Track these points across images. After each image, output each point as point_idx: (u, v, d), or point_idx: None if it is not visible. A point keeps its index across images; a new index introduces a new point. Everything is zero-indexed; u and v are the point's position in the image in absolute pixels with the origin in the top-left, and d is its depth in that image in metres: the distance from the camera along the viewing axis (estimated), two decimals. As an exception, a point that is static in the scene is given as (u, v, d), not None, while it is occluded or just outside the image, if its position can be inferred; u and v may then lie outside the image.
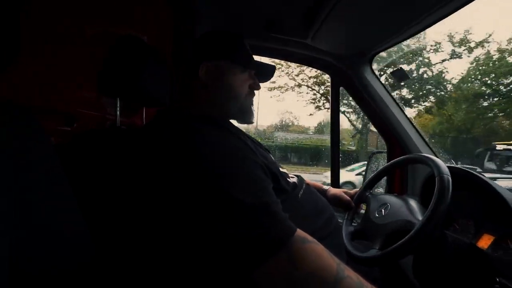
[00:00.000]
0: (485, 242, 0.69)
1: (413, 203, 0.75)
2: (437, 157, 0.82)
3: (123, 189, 0.57)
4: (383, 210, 0.78)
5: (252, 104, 0.71)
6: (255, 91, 0.72)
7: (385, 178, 1.31)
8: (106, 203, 0.63)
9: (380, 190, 1.41)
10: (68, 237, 0.41)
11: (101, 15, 0.89)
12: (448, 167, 0.69)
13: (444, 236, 0.68)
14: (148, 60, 0.79)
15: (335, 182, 1.43)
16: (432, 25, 0.92)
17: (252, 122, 0.71)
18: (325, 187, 1.02)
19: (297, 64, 9.51)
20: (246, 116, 0.70)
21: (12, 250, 0.31)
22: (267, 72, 0.77)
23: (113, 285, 0.52)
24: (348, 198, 0.96)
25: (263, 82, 0.77)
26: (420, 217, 0.67)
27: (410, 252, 0.61)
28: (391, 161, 0.89)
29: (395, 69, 1.10)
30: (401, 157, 0.86)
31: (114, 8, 0.92)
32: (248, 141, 0.57)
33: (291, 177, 0.68)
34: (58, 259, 0.38)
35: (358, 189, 0.99)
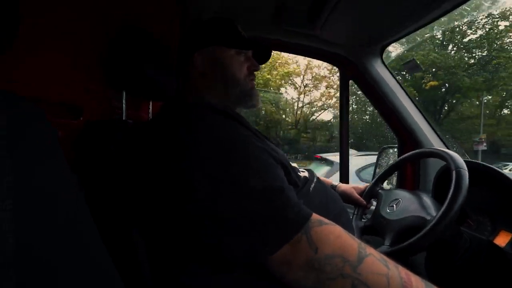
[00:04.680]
0: (502, 239, 0.66)
1: (426, 199, 0.73)
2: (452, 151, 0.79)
3: (132, 183, 0.56)
4: (394, 206, 0.75)
5: (253, 87, 0.69)
6: (255, 73, 0.70)
7: (395, 173, 1.29)
8: (116, 197, 0.62)
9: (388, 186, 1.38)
10: (76, 236, 0.39)
11: (107, 5, 0.88)
12: (464, 161, 0.67)
13: (460, 232, 0.66)
14: (154, 52, 0.78)
15: (344, 177, 1.40)
16: (449, 12, 0.88)
17: (256, 106, 0.69)
18: (335, 183, 1.00)
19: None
20: (249, 99, 0.68)
21: (17, 253, 0.30)
22: (263, 51, 0.75)
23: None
24: (357, 195, 0.94)
25: (261, 63, 0.75)
26: (434, 213, 0.64)
27: (422, 249, 0.59)
28: (404, 155, 0.86)
29: (407, 60, 1.06)
30: (415, 151, 0.83)
31: (123, 2, 0.91)
32: (255, 131, 0.55)
33: (302, 171, 0.66)
34: (66, 257, 0.37)
35: (368, 184, 0.97)
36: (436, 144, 1.11)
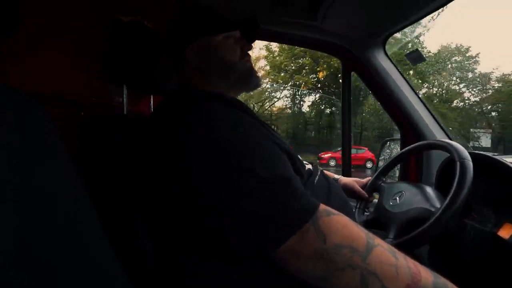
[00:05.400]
0: (506, 231, 0.66)
1: (429, 190, 0.72)
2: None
3: (136, 175, 0.56)
4: (397, 198, 0.75)
5: (251, 67, 0.68)
6: (249, 52, 0.69)
7: (397, 165, 1.28)
8: (118, 189, 0.62)
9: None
10: (76, 235, 0.39)
11: (107, 1, 0.87)
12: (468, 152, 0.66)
13: (464, 224, 0.65)
14: (152, 45, 0.77)
15: (346, 171, 1.40)
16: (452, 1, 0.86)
17: (259, 85, 0.68)
18: (336, 176, 1.00)
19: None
20: (250, 80, 0.67)
21: (17, 253, 0.30)
22: (251, 30, 0.71)
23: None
24: (359, 188, 0.93)
25: (251, 41, 0.72)
26: (438, 205, 0.64)
27: (427, 241, 0.59)
28: (407, 148, 0.85)
29: (410, 50, 1.05)
30: (418, 143, 0.82)
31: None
32: (259, 120, 0.55)
33: (306, 163, 0.66)
34: (66, 257, 0.37)
35: (370, 178, 0.96)
36: (440, 136, 1.11)
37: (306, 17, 1.02)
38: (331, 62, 15.67)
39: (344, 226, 0.42)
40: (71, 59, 0.78)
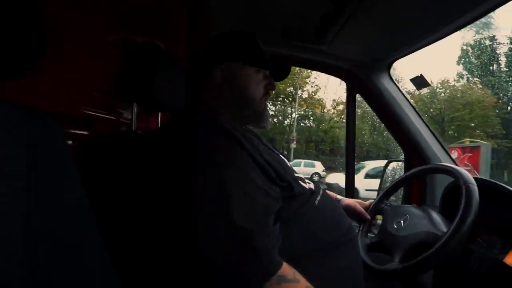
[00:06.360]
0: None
1: (434, 215, 0.72)
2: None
3: (133, 191, 0.58)
4: (402, 222, 0.74)
5: (265, 108, 0.68)
6: (270, 91, 0.69)
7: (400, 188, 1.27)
8: (118, 205, 0.63)
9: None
10: (80, 241, 0.40)
11: (119, 22, 0.91)
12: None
13: (470, 250, 0.65)
14: (164, 65, 0.80)
15: (349, 192, 1.39)
16: (461, 28, 0.88)
17: (266, 127, 0.69)
18: (339, 197, 0.99)
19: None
20: (260, 121, 0.68)
21: (25, 252, 0.31)
22: (282, 71, 0.73)
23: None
24: (362, 209, 0.92)
25: (278, 80, 0.73)
26: (444, 229, 0.64)
27: (433, 266, 0.58)
28: (411, 171, 0.85)
29: (414, 76, 1.07)
30: (422, 166, 0.83)
31: (132, 16, 0.94)
32: (261, 151, 0.55)
33: (308, 182, 0.66)
34: (69, 261, 0.37)
35: (372, 200, 0.96)
36: (444, 160, 1.11)
37: (313, 41, 1.05)
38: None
39: None
40: (82, 77, 0.81)
